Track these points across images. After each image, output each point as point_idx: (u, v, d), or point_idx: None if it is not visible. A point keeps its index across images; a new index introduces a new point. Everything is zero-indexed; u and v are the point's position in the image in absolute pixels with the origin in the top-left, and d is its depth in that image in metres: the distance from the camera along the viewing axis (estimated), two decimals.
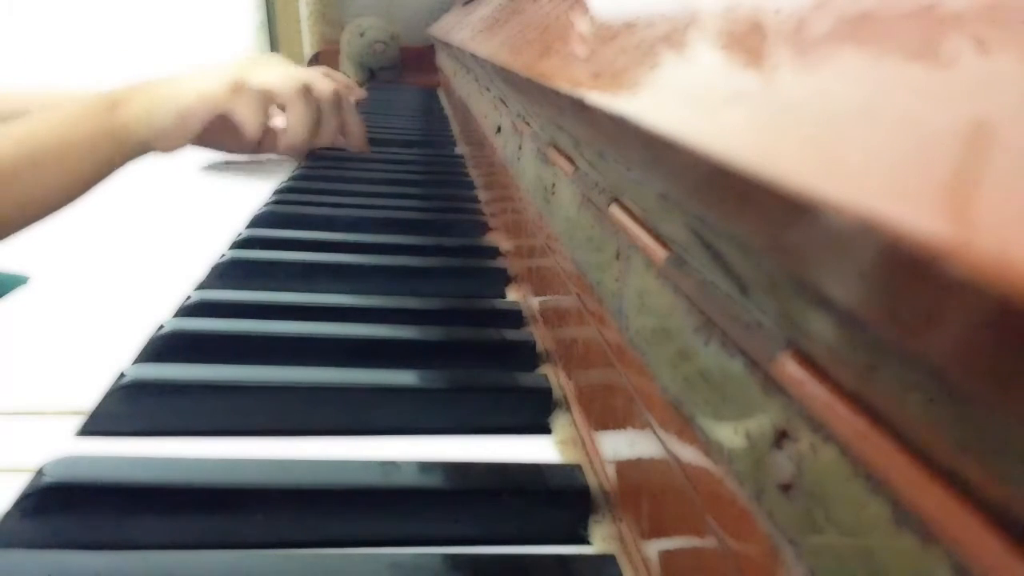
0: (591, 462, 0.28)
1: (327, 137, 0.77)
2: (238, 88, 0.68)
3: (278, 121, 0.74)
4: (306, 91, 0.72)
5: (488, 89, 0.62)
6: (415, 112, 1.21)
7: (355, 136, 0.80)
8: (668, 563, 0.20)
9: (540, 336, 0.38)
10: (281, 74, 0.72)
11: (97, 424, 0.29)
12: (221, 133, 0.72)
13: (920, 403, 0.10)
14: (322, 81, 0.76)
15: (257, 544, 0.24)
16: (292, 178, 0.67)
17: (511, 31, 0.47)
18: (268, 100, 0.71)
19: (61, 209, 0.65)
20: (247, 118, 0.68)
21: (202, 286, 0.41)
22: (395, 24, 1.67)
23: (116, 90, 0.67)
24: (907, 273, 0.08)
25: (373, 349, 0.35)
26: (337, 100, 0.77)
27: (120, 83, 0.68)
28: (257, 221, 0.53)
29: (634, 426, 0.23)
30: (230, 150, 0.78)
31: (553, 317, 0.36)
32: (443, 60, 1.38)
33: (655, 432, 0.21)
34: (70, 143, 0.63)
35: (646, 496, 0.22)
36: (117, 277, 0.45)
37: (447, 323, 0.39)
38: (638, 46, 0.22)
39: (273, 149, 0.77)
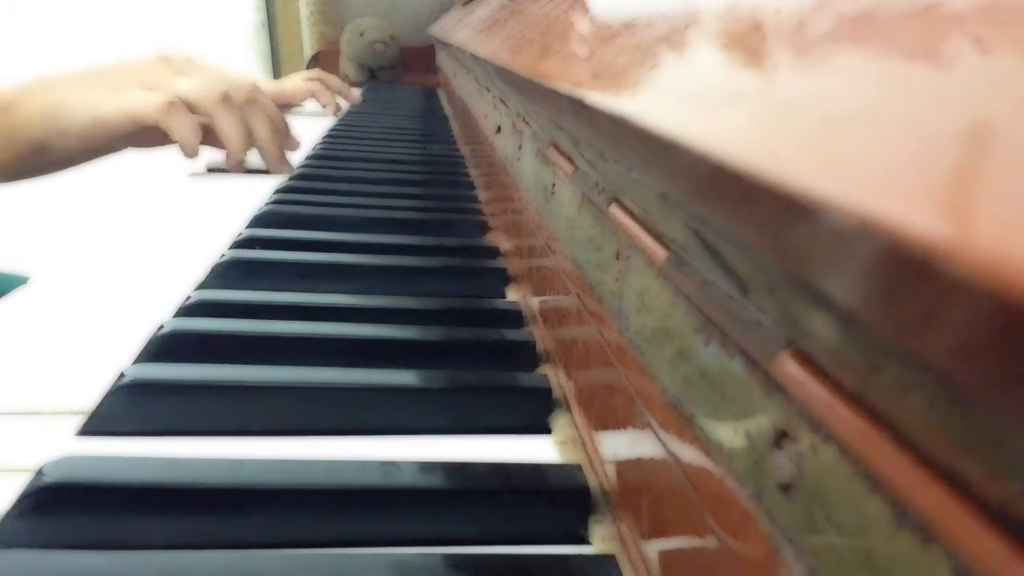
0: (591, 462, 0.28)
1: (265, 139, 0.72)
2: (167, 106, 0.64)
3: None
4: (227, 100, 0.68)
5: (488, 89, 0.62)
6: (416, 113, 1.21)
7: (268, 149, 0.73)
8: (668, 563, 0.20)
9: (540, 336, 0.38)
10: (198, 82, 0.68)
11: (97, 424, 0.29)
12: (139, 137, 0.69)
13: (920, 403, 0.10)
14: (238, 82, 0.71)
15: (257, 544, 0.24)
16: (292, 178, 0.67)
17: (511, 31, 0.47)
18: (192, 110, 0.67)
19: None
20: (180, 135, 0.65)
21: (202, 286, 0.41)
22: (395, 24, 1.67)
23: (9, 89, 0.65)
24: (907, 273, 0.08)
25: (373, 349, 0.35)
26: (256, 97, 0.72)
27: (14, 81, 0.66)
28: (257, 221, 0.53)
29: (634, 426, 0.23)
30: (152, 146, 0.74)
31: (553, 317, 0.36)
32: (443, 60, 1.38)
33: (655, 432, 0.21)
34: None
35: (646, 496, 0.22)
36: (117, 277, 0.45)
37: (447, 323, 0.39)
38: (638, 46, 0.22)
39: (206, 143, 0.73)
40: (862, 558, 0.11)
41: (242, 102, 0.71)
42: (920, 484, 0.10)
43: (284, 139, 0.77)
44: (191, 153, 0.67)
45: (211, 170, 0.74)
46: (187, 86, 0.67)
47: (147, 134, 0.69)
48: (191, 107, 0.67)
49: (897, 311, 0.09)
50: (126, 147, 0.73)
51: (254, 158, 0.74)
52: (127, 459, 0.26)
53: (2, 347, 0.35)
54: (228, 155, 0.71)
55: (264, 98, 0.74)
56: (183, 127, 0.65)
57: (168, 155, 0.75)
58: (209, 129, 0.70)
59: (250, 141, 0.71)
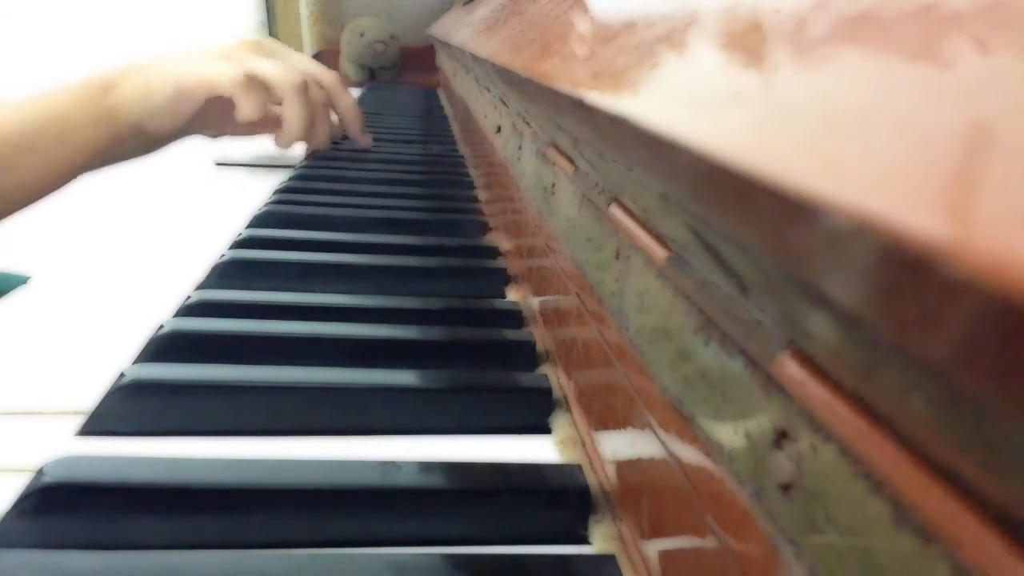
0: (591, 462, 0.28)
1: (320, 139, 0.75)
2: (244, 78, 0.66)
3: (275, 108, 0.73)
4: (304, 89, 0.70)
5: (488, 89, 0.62)
6: (415, 113, 1.21)
7: (354, 128, 0.80)
8: (668, 563, 0.20)
9: (540, 336, 0.38)
10: (281, 67, 0.70)
11: (97, 424, 0.29)
12: (215, 116, 0.71)
13: (920, 403, 0.10)
14: (318, 78, 0.75)
15: (257, 544, 0.24)
16: (292, 178, 0.67)
17: (511, 31, 0.47)
18: (268, 91, 0.69)
19: (54, 193, 0.65)
20: (246, 108, 0.67)
21: (202, 286, 0.41)
22: (395, 24, 1.67)
23: (108, 72, 0.66)
24: (907, 273, 0.08)
25: (373, 349, 0.35)
26: (331, 98, 0.76)
27: (111, 65, 0.68)
28: (257, 221, 0.53)
29: (634, 426, 0.23)
30: (221, 134, 0.76)
31: (553, 317, 0.36)
32: (443, 60, 1.38)
33: (655, 432, 0.21)
34: (67, 127, 0.63)
35: (646, 496, 0.22)
36: (117, 277, 0.45)
37: (447, 323, 0.39)
38: (638, 46, 0.22)
39: (265, 131, 0.75)
40: (862, 558, 0.11)
41: (317, 96, 0.73)
42: (920, 484, 0.10)
43: (358, 135, 0.80)
44: (249, 122, 0.68)
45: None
46: (269, 67, 0.69)
47: (222, 116, 0.70)
48: (268, 88, 0.68)
49: (897, 311, 0.09)
50: (202, 130, 0.74)
51: (271, 149, 0.75)
52: (127, 459, 0.26)
53: (2, 347, 0.35)
54: (277, 138, 0.72)
55: (343, 94, 0.77)
56: (251, 102, 0.66)
57: (168, 155, 0.76)
58: (270, 115, 0.71)
59: (305, 135, 0.73)
